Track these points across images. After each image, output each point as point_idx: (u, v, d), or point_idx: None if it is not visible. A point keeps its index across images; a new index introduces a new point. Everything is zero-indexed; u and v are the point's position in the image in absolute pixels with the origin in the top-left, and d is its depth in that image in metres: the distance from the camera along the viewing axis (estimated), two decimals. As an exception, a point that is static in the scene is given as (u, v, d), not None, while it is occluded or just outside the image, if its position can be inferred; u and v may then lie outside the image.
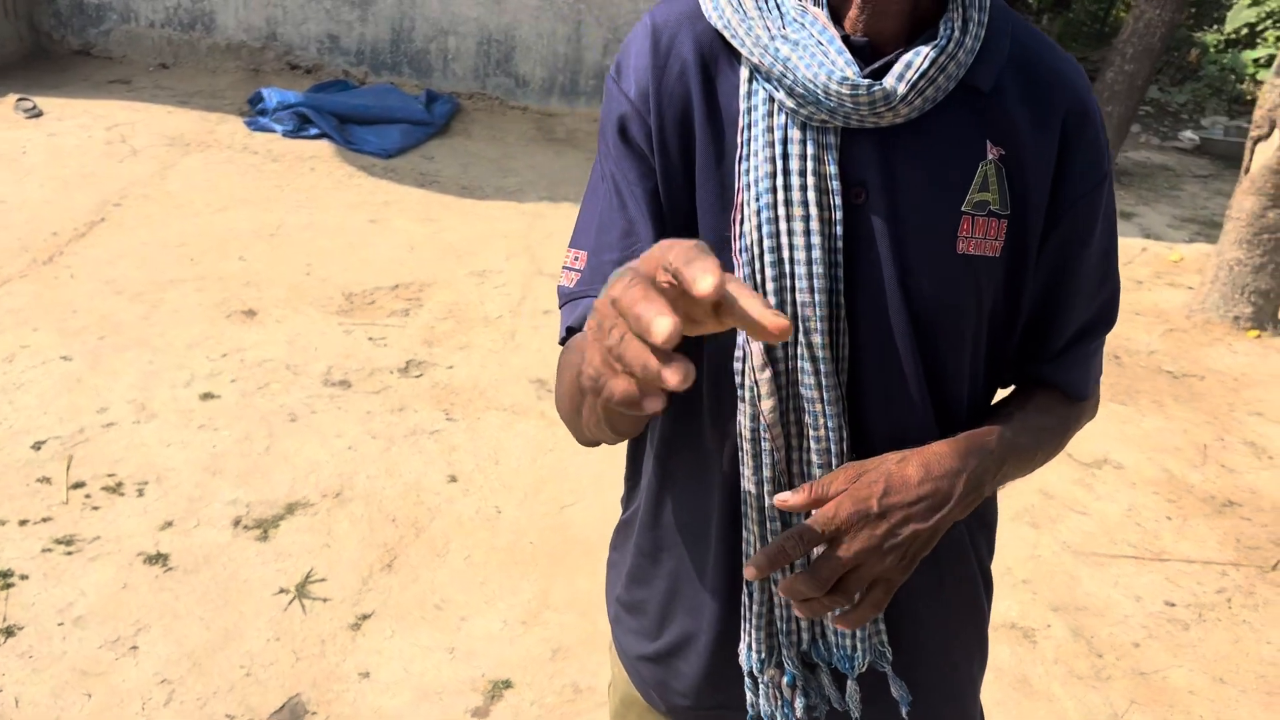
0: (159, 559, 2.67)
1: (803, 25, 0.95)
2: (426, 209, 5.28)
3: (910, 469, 0.95)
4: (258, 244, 4.62)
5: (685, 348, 1.04)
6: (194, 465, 3.05)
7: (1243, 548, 3.17)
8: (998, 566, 2.91)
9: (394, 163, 5.89)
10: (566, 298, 1.06)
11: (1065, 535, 3.14)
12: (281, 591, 2.61)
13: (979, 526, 1.16)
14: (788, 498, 0.94)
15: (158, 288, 4.09)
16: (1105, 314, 1.12)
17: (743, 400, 1.00)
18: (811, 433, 1.00)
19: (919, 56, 0.93)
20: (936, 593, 1.10)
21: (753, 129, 0.96)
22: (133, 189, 5.07)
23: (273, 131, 6.07)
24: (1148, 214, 6.56)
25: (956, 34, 0.94)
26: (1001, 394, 1.18)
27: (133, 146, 5.63)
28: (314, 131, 6.06)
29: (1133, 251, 5.78)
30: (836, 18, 0.97)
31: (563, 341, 1.05)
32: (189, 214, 4.86)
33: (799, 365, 0.98)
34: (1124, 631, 2.76)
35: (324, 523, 2.88)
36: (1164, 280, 5.39)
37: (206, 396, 3.40)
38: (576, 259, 1.06)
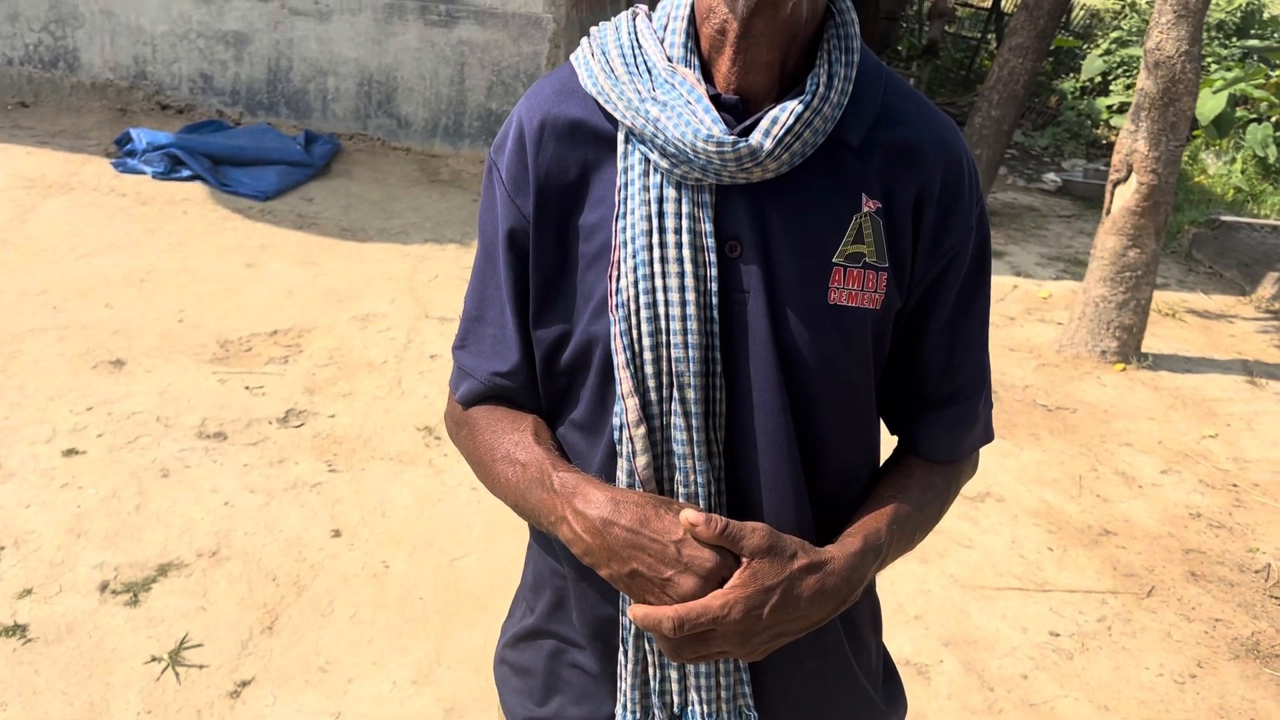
0: (16, 630, 2.49)
1: (672, 86, 0.96)
2: (306, 252, 5.13)
3: (808, 584, 0.95)
4: (126, 290, 4.42)
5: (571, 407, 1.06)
6: (56, 527, 2.87)
7: (1119, 576, 3.27)
8: (889, 603, 2.95)
9: (271, 205, 5.73)
10: (456, 355, 1.15)
11: (953, 569, 3.20)
12: (153, 660, 2.46)
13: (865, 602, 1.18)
14: (694, 518, 0.92)
15: (15, 338, 3.86)
16: (978, 375, 1.14)
17: (621, 456, 1.01)
18: (681, 490, 1.00)
19: (784, 113, 0.94)
20: (807, 660, 1.10)
21: (629, 188, 0.98)
22: (-12, 233, 4.80)
23: (142, 173, 5.84)
24: (1017, 252, 6.83)
25: (822, 89, 0.96)
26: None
27: (-12, 189, 5.34)
28: (186, 173, 5.86)
29: (1005, 289, 6.00)
30: (710, 76, 0.99)
31: (461, 401, 1.15)
32: (51, 259, 4.62)
33: (672, 421, 0.99)
34: (1013, 664, 2.81)
35: (199, 584, 2.73)
36: (1035, 316, 5.60)
37: (70, 453, 3.21)
38: (465, 311, 1.14)
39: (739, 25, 0.94)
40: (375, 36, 6.83)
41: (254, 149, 6.15)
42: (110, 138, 6.36)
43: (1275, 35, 12.84)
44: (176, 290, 4.48)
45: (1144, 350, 5.08)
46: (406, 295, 4.76)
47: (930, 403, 1.12)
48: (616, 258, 0.98)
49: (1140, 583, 3.25)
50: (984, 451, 4.12)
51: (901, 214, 1.01)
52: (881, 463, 1.17)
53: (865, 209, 0.99)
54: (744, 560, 0.93)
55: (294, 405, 3.66)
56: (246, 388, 3.74)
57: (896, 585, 3.06)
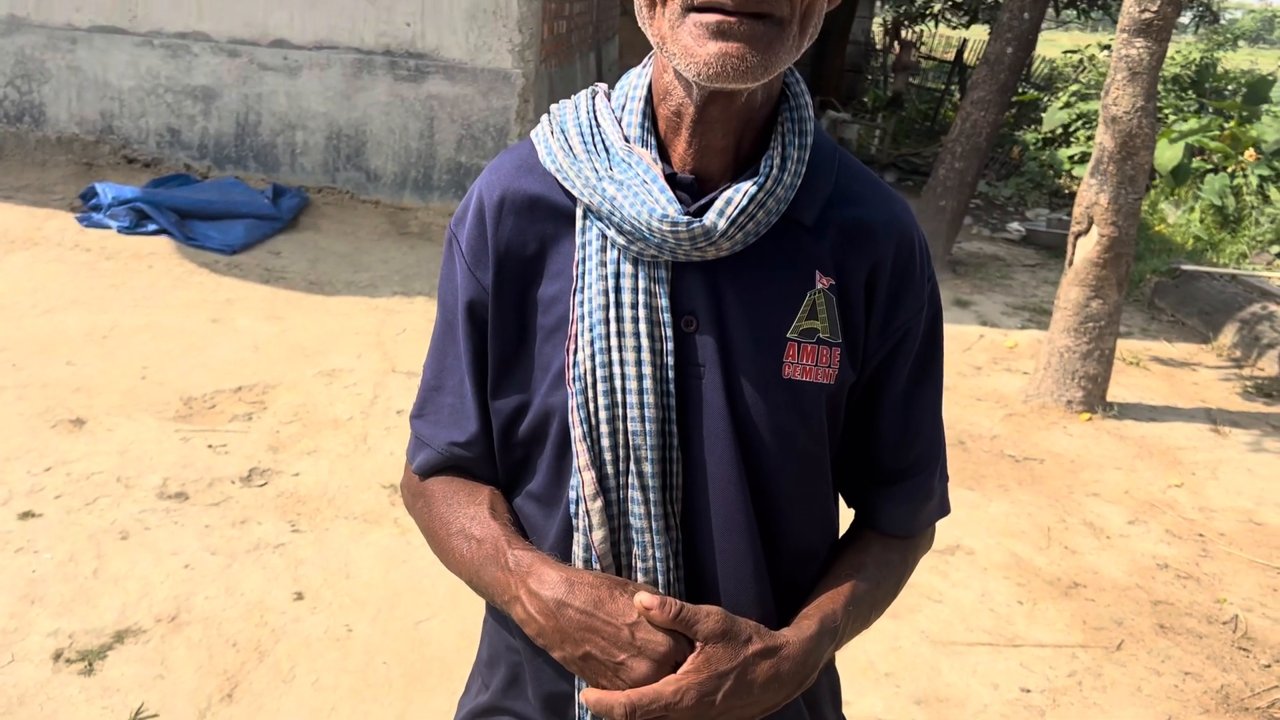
0: (-35, 703, 2.42)
1: (629, 165, 0.98)
2: (273, 306, 5.10)
3: (762, 670, 0.94)
4: (89, 347, 4.37)
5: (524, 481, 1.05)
6: (9, 593, 2.80)
7: (1089, 629, 3.27)
8: (860, 661, 2.93)
9: (238, 259, 5.70)
10: (413, 424, 1.15)
11: (924, 625, 3.18)
12: (107, 732, 2.40)
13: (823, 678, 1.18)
14: (648, 601, 0.92)
15: (-27, 397, 3.80)
16: (932, 449, 1.15)
17: (578, 530, 1.01)
18: (640, 564, 1.00)
19: (738, 193, 0.95)
20: None
21: (587, 263, 0.99)
22: (-52, 290, 4.74)
23: (107, 228, 5.81)
24: (983, 302, 6.90)
25: (775, 171, 0.97)
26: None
27: (-51, 244, 5.29)
28: (152, 228, 5.83)
29: (971, 338, 6.05)
30: (666, 156, 1.00)
31: (418, 472, 1.14)
32: (11, 316, 4.56)
33: (630, 494, 0.99)
34: (984, 721, 2.79)
35: (157, 651, 2.67)
36: (1001, 366, 5.64)
37: (26, 515, 3.14)
38: (424, 381, 1.14)
39: (695, 110, 0.96)
40: (344, 91, 6.86)
41: (221, 203, 6.14)
42: (75, 192, 6.33)
43: (1229, 89, 13.18)
44: (140, 346, 4.44)
45: (1109, 399, 5.12)
46: (374, 349, 4.74)
47: (886, 477, 1.13)
48: (574, 331, 0.99)
49: (1110, 636, 3.25)
50: (954, 504, 4.09)
51: (854, 291, 1.02)
52: (840, 534, 1.17)
53: (819, 286, 1.00)
54: (698, 645, 0.92)
55: (257, 464, 3.61)
56: (209, 446, 3.69)
57: (867, 643, 3.04)
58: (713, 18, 0.86)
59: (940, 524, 3.62)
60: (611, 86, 1.07)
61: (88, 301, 4.85)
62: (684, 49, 0.88)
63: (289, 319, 4.97)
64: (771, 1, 0.86)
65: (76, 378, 4.08)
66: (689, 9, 0.87)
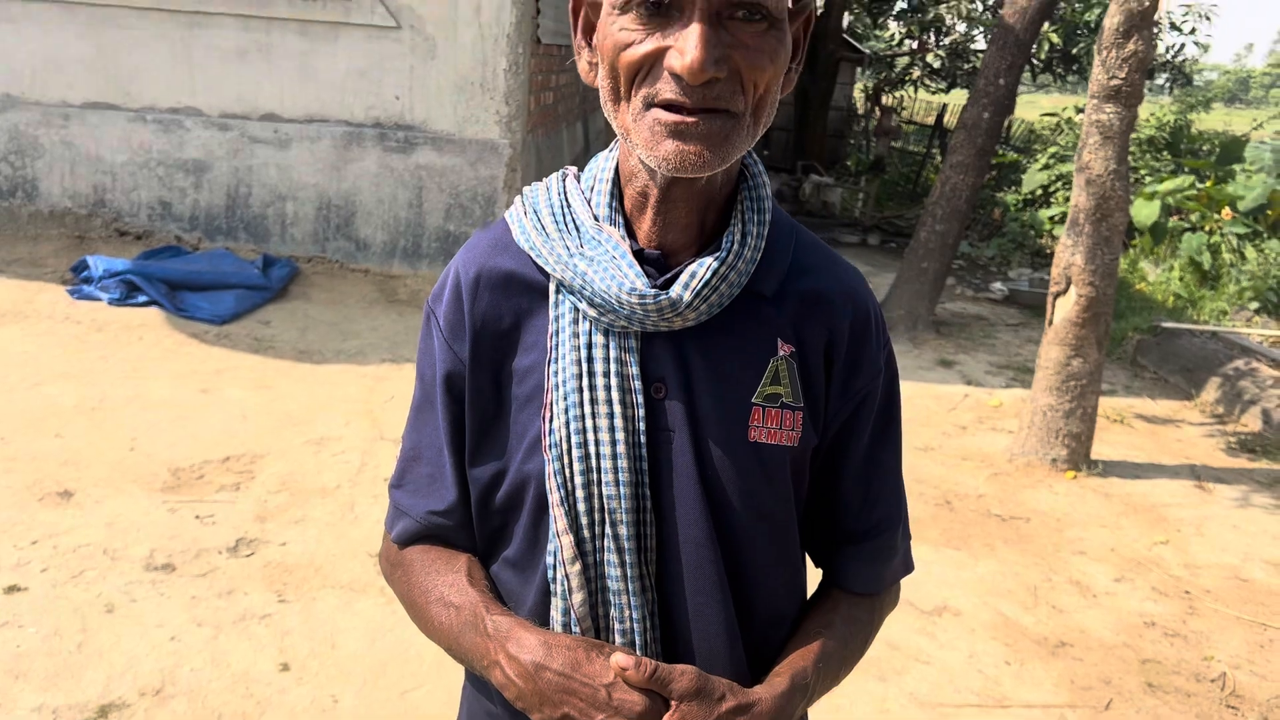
0: (-53, 781, 2.40)
1: (599, 242, 1.04)
2: (262, 375, 5.13)
3: None
4: (77, 419, 4.38)
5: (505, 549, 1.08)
6: (-6, 669, 2.79)
7: (1077, 689, 3.27)
8: (848, 725, 2.91)
9: (228, 329, 5.75)
10: (393, 494, 1.19)
11: (912, 686, 3.18)
12: (90, 808, 2.38)
13: None
14: (624, 662, 0.95)
15: (-39, 471, 3.81)
16: (894, 509, 1.19)
17: (556, 594, 1.04)
18: (617, 625, 1.04)
19: (702, 267, 1.01)
20: None
21: (560, 335, 1.04)
22: (-62, 364, 4.77)
23: (98, 300, 5.85)
24: (967, 361, 6.96)
25: (736, 246, 1.03)
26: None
27: (-60, 318, 5.32)
28: (143, 299, 5.88)
29: (956, 398, 6.10)
30: (633, 233, 1.06)
31: (397, 541, 1.18)
32: (1, 390, 4.58)
33: (606, 558, 1.03)
34: (973, 784, 2.78)
35: (141, 725, 2.66)
36: (986, 425, 5.68)
37: (12, 589, 3.14)
38: (403, 452, 1.18)
39: (659, 191, 1.02)
40: (334, 163, 6.97)
41: (211, 273, 6.20)
42: (67, 265, 6.38)
43: (1203, 149, 13.43)
44: (129, 418, 4.45)
45: (1094, 457, 5.16)
46: (362, 417, 4.76)
47: (850, 537, 1.17)
48: (549, 399, 1.04)
49: (1098, 695, 3.25)
50: (940, 564, 4.07)
51: (814, 358, 1.08)
52: (809, 594, 1.21)
53: (781, 353, 1.06)
54: (673, 703, 0.95)
55: (244, 534, 3.61)
56: (197, 517, 3.69)
57: (856, 705, 3.03)
58: (671, 117, 0.93)
59: (927, 585, 3.66)
60: (581, 168, 1.13)
61: (77, 374, 4.87)
62: (645, 142, 0.95)
63: (278, 388, 4.99)
64: (727, 99, 0.93)
65: (65, 450, 4.09)
66: (650, 105, 0.94)
